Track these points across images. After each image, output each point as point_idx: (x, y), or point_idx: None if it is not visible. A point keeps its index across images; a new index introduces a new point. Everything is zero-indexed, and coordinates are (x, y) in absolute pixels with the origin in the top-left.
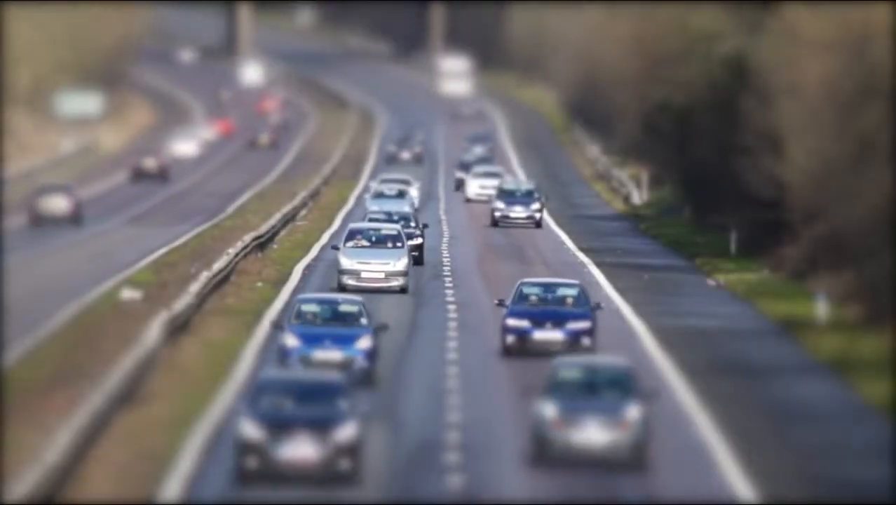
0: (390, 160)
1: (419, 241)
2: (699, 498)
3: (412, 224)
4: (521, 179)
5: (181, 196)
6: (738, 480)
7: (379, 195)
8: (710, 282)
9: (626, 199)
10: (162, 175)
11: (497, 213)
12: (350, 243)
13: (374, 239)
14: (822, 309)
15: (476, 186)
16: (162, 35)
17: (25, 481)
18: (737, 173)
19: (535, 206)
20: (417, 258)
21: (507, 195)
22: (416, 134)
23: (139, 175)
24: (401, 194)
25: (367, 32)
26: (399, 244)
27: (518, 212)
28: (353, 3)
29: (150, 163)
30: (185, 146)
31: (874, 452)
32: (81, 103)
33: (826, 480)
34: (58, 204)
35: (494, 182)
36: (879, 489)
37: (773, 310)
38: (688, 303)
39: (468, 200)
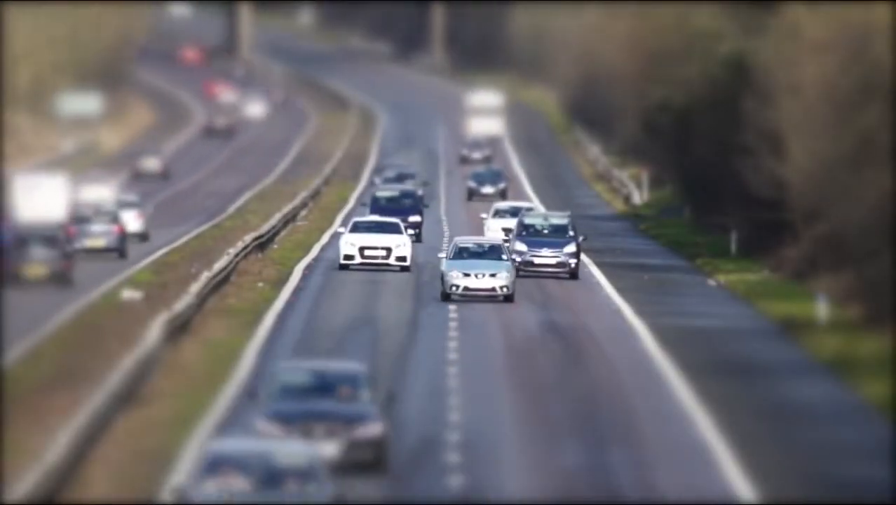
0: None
1: (376, 429)
2: (699, 498)
3: (363, 391)
4: (550, 211)
5: (181, 196)
6: (737, 480)
7: (460, 259)
8: (711, 282)
9: (627, 199)
10: (229, 132)
11: (517, 259)
12: (211, 485)
13: (260, 476)
14: (822, 309)
15: (497, 228)
16: (163, 35)
17: (26, 481)
18: (737, 173)
19: (570, 248)
20: (375, 459)
21: (530, 233)
22: (411, 173)
23: (210, 132)
24: (493, 250)
25: (367, 32)
26: (312, 483)
27: (545, 256)
28: (353, 3)
29: (220, 121)
30: (255, 108)
31: (874, 452)
32: (81, 103)
33: (826, 480)
34: (153, 164)
35: None
36: (879, 489)
37: (774, 310)
38: (688, 303)
39: None
